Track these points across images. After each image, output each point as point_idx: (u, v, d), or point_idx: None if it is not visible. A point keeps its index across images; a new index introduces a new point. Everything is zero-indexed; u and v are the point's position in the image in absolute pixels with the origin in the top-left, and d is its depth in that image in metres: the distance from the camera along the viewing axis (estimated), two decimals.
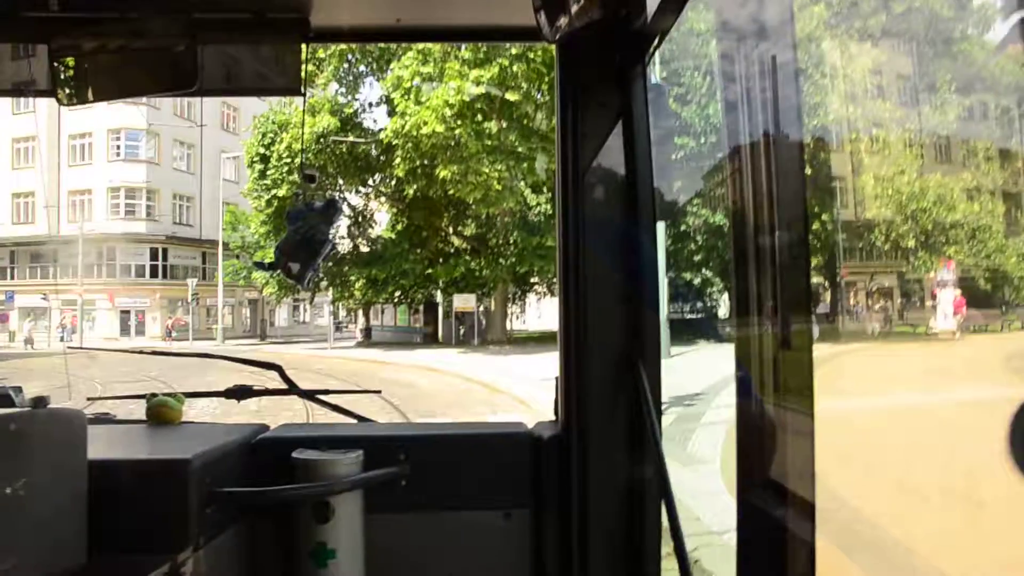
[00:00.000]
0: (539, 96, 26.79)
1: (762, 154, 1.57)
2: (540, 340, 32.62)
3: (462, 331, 35.23)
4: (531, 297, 44.13)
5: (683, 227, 26.76)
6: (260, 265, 2.95)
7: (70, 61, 2.05)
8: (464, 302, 33.45)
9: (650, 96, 2.05)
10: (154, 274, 45.14)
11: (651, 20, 1.78)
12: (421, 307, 37.82)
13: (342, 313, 46.22)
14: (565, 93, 2.10)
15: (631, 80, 2.00)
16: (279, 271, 2.34)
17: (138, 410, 2.46)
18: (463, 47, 25.59)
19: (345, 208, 35.70)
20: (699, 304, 29.64)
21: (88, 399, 3.00)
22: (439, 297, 36.61)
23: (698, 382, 13.23)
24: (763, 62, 1.62)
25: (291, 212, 2.32)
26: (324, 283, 35.39)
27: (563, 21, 1.76)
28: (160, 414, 2.36)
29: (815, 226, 19.81)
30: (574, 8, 1.72)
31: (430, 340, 36.50)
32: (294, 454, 2.03)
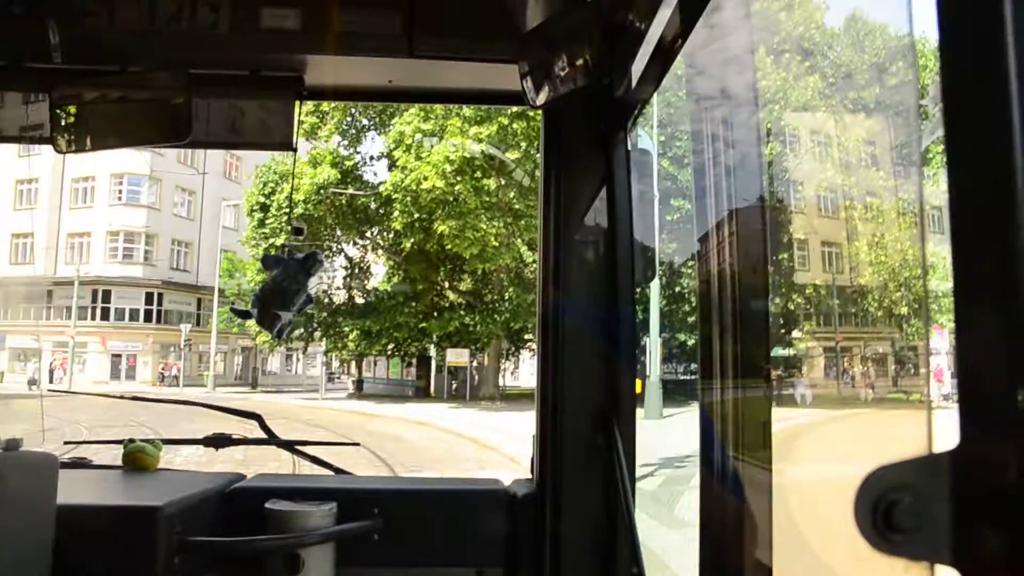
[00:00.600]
0: (539, 156, 27.10)
1: (730, 222, 1.62)
2: (532, 397, 32.33)
3: (454, 385, 34.99)
4: (525, 354, 43.94)
5: (678, 288, 26.85)
6: (236, 311, 2.94)
7: (71, 109, 2.09)
8: (457, 356, 33.31)
9: (636, 160, 2.09)
10: (148, 318, 44.92)
11: (635, 88, 1.84)
12: (414, 360, 37.62)
13: (335, 364, 45.96)
14: (549, 157, 2.15)
15: (614, 146, 2.04)
16: (253, 319, 2.35)
17: (117, 457, 2.45)
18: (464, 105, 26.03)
19: (342, 259, 35.83)
20: (693, 365, 29.55)
21: (65, 443, 2.98)
22: (432, 351, 36.45)
23: (690, 444, 13.08)
24: (749, 128, 1.67)
25: (266, 257, 2.34)
26: (318, 333, 35.27)
27: (548, 88, 1.82)
28: (136, 460, 2.35)
29: (808, 291, 19.92)
30: (559, 75, 1.78)
31: (422, 394, 36.21)
32: (267, 504, 2.02)
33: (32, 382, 38.07)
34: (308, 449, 2.62)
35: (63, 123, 2.10)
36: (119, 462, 2.41)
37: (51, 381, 37.02)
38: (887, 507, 0.57)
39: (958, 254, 0.53)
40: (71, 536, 1.66)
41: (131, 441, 2.39)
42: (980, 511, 0.53)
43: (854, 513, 0.57)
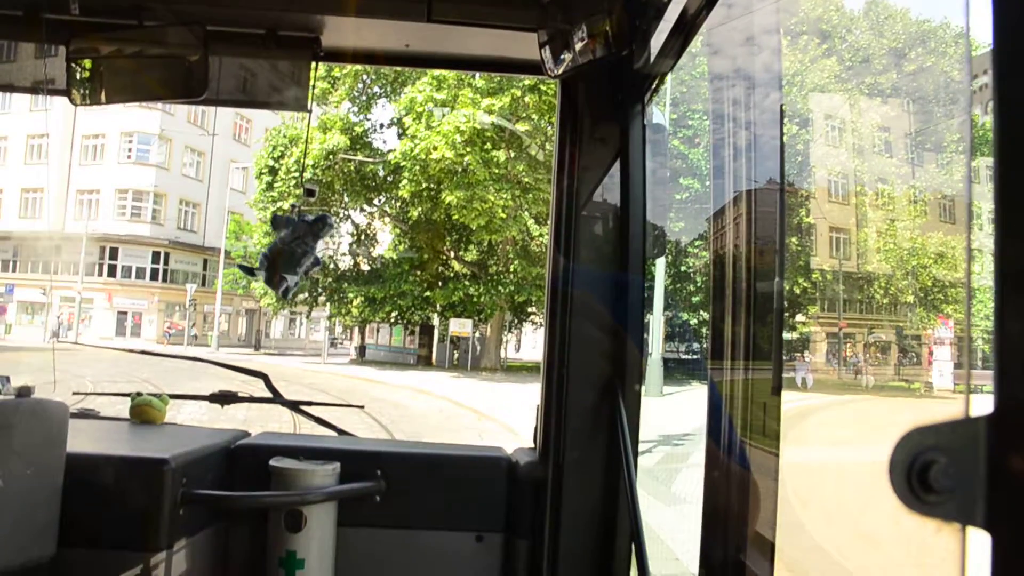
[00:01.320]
0: (550, 128, 26.98)
1: (746, 203, 1.61)
2: (534, 370, 32.52)
3: (456, 356, 35.11)
4: (527, 327, 44.05)
5: (683, 267, 26.81)
6: (243, 268, 2.93)
7: (86, 63, 2.08)
8: (460, 327, 33.39)
9: (650, 135, 2.08)
10: (154, 277, 45.07)
11: (653, 61, 1.82)
12: (417, 329, 37.70)
13: (338, 329, 46.10)
14: (565, 128, 2.13)
15: (631, 118, 2.02)
16: (259, 277, 2.35)
17: (125, 409, 2.47)
18: (477, 75, 25.83)
19: (348, 226, 35.80)
20: (695, 345, 29.60)
21: (74, 393, 3.02)
22: (436, 320, 36.55)
23: (688, 422, 13.17)
24: (765, 110, 1.66)
25: (276, 217, 2.33)
26: (322, 298, 35.35)
27: (567, 57, 1.81)
28: (143, 413, 2.38)
29: (815, 276, 19.87)
30: (578, 45, 1.76)
31: (424, 362, 36.35)
32: (271, 462, 2.04)
33: (54, 334, 38.35)
34: (312, 410, 2.63)
35: (78, 76, 2.10)
36: (126, 415, 2.44)
37: (57, 335, 37.23)
38: (923, 467, 0.56)
39: (1005, 217, 0.52)
40: (79, 483, 1.69)
41: (138, 395, 2.41)
42: (1016, 475, 0.53)
43: (888, 472, 0.57)
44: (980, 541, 0.55)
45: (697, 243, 26.54)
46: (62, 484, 1.64)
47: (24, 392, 1.71)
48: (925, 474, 0.57)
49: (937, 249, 18.42)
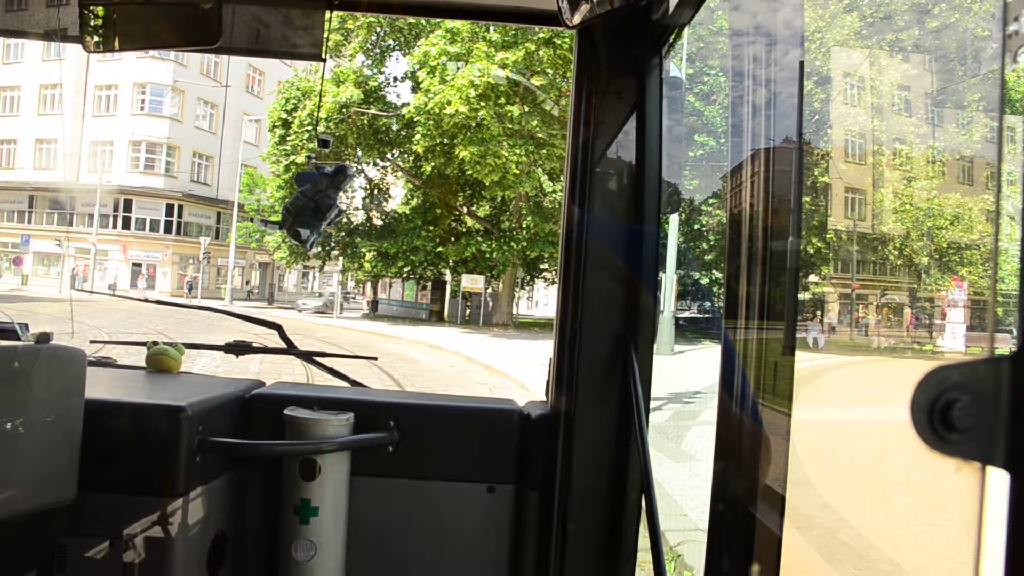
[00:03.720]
0: (564, 83, 26.64)
1: (763, 161, 1.61)
2: (545, 327, 32.65)
3: (468, 311, 35.22)
4: (539, 284, 44.05)
5: (696, 226, 26.64)
6: (266, 222, 2.94)
7: (100, 10, 2.06)
8: (472, 282, 33.45)
9: (667, 89, 2.05)
10: (168, 229, 45.25)
11: (671, 12, 1.80)
12: (429, 284, 37.78)
13: (351, 283, 46.29)
14: (581, 80, 2.09)
15: (648, 71, 2.00)
16: (284, 230, 2.36)
17: (140, 359, 2.51)
18: (491, 29, 25.46)
19: (362, 180, 35.71)
20: (707, 304, 29.56)
21: (91, 342, 3.05)
22: (448, 276, 36.61)
23: (698, 381, 13.24)
24: (784, 67, 1.65)
25: (300, 174, 2.34)
26: (335, 252, 35.43)
27: (584, 7, 1.78)
28: (159, 362, 2.41)
29: (829, 235, 19.70)
30: None
31: (436, 318, 36.50)
32: (286, 411, 2.06)
33: (111, 287, 38.66)
34: (326, 361, 2.64)
35: (92, 23, 2.08)
36: (142, 364, 2.48)
37: (72, 287, 37.58)
38: (944, 406, 0.57)
39: None
40: (98, 429, 1.72)
41: (154, 343, 2.44)
42: None
43: (910, 411, 0.57)
44: (999, 480, 0.57)
45: (711, 201, 26.32)
46: (81, 430, 1.66)
47: (43, 339, 1.73)
48: (947, 413, 0.57)
49: (954, 211, 18.20)
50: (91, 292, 37.68)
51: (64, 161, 43.98)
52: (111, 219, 44.03)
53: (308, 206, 2.27)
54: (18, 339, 1.80)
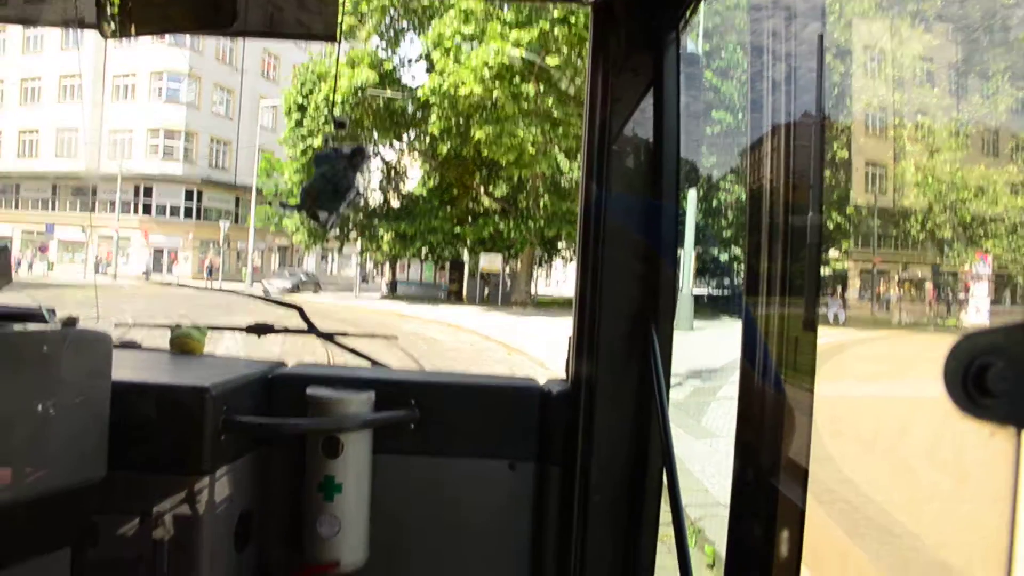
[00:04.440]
0: (579, 61, 26.45)
1: (783, 136, 1.60)
2: (564, 305, 32.63)
3: (487, 291, 35.26)
4: (557, 262, 43.99)
5: (714, 202, 26.44)
6: (285, 205, 2.94)
7: None
8: (490, 262, 33.47)
9: (684, 66, 2.02)
10: (188, 215, 45.59)
11: None
12: (447, 264, 37.83)
13: (369, 265, 46.44)
14: (597, 57, 2.07)
15: (665, 47, 1.97)
16: (303, 212, 2.37)
17: (164, 343, 2.54)
18: (506, 8, 25.27)
19: (378, 162, 35.71)
20: (725, 280, 29.39)
21: (116, 325, 3.08)
22: (466, 256, 36.64)
23: (718, 357, 13.19)
24: (803, 41, 1.64)
25: (318, 155, 2.34)
26: (353, 234, 35.54)
27: None
28: (183, 344, 2.44)
29: (849, 210, 19.48)
30: None
31: (454, 297, 36.59)
32: (308, 390, 2.08)
33: (146, 273, 39.02)
34: (346, 341, 2.65)
35: (108, 9, 2.08)
36: (166, 347, 2.51)
37: (96, 272, 38.02)
38: (979, 370, 0.57)
39: None
40: (124, 411, 1.74)
41: (178, 326, 2.48)
42: None
43: (943, 375, 0.57)
44: None
45: (729, 177, 26.08)
46: (108, 411, 1.69)
47: (70, 323, 1.77)
48: (982, 377, 0.57)
49: (978, 183, 17.92)
50: (115, 277, 38.06)
51: (85, 150, 44.36)
52: (132, 206, 44.42)
53: (326, 187, 2.28)
54: (46, 324, 1.84)
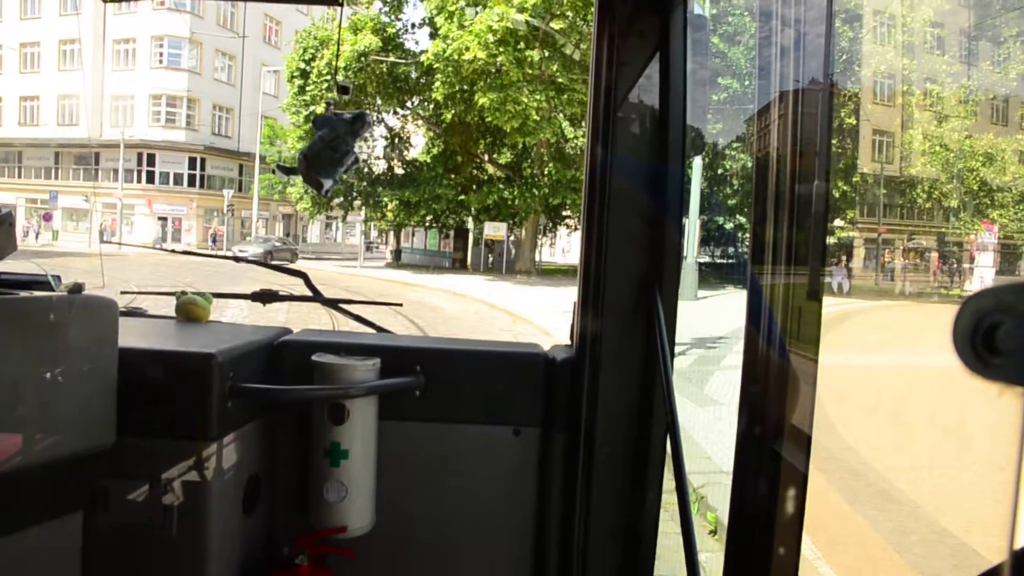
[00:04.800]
0: (585, 26, 26.15)
1: (790, 103, 1.59)
2: (568, 273, 32.66)
3: (491, 259, 35.27)
4: (562, 231, 43.94)
5: (720, 170, 26.28)
6: (281, 168, 2.91)
7: None
8: (495, 230, 33.41)
9: (692, 31, 1.99)
10: (192, 183, 45.45)
11: None
12: (452, 232, 37.82)
13: (373, 233, 46.45)
14: (603, 20, 2.04)
15: (672, 9, 1.95)
16: (299, 176, 2.35)
17: (170, 311, 2.55)
18: None
19: (382, 129, 35.51)
20: (730, 249, 29.34)
21: (121, 292, 3.08)
22: (470, 224, 36.60)
23: (721, 326, 13.22)
24: (811, 5, 1.62)
25: (318, 118, 2.31)
26: (357, 202, 35.47)
27: None
28: (188, 311, 2.44)
29: (855, 179, 19.37)
30: None
31: (459, 266, 36.61)
32: (314, 357, 2.08)
33: (157, 241, 38.98)
34: (351, 308, 2.66)
35: None
36: (171, 314, 2.51)
37: (101, 241, 38.00)
38: (988, 329, 0.56)
39: None
40: (132, 377, 1.75)
41: (183, 293, 2.47)
42: None
43: (951, 335, 0.57)
44: None
45: (735, 145, 25.91)
46: (116, 377, 1.70)
47: (76, 289, 1.77)
48: (991, 336, 0.56)
49: (986, 151, 17.76)
50: (120, 244, 38.05)
51: (87, 117, 44.13)
52: (135, 174, 44.27)
53: (325, 152, 2.25)
54: (52, 290, 1.84)
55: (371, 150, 35.40)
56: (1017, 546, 0.57)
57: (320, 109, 29.82)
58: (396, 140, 36.57)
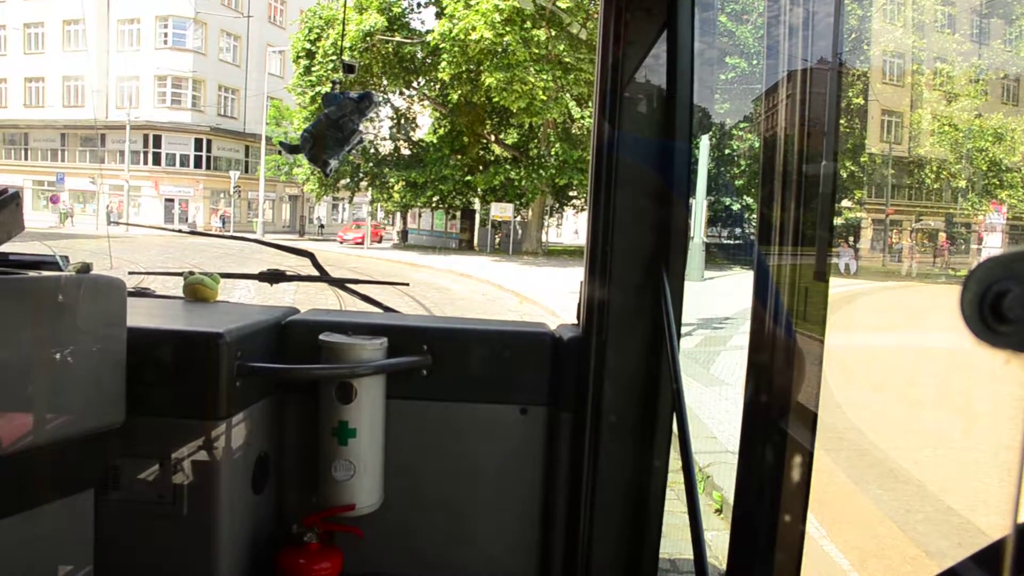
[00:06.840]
0: (592, 5, 25.91)
1: (798, 83, 1.58)
2: (575, 254, 32.58)
3: (498, 240, 35.21)
4: (568, 211, 43.80)
5: (727, 150, 26.12)
6: (285, 146, 2.90)
7: None
8: (501, 211, 33.31)
9: (699, 8, 1.97)
10: (198, 164, 45.36)
11: None
12: (458, 213, 37.72)
13: (380, 214, 46.39)
14: None
15: None
16: (303, 155, 2.35)
17: (177, 292, 2.56)
18: None
19: (388, 110, 35.35)
20: (737, 230, 29.21)
21: (129, 273, 3.09)
22: (477, 205, 36.51)
23: (728, 307, 13.20)
24: None
25: (327, 95, 2.31)
26: (364, 183, 35.39)
27: None
28: (196, 291, 2.45)
29: (863, 159, 19.24)
30: None
31: (466, 246, 36.56)
32: (321, 337, 2.10)
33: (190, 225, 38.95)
34: (358, 288, 2.67)
35: None
36: (179, 295, 2.52)
37: (108, 223, 38.08)
38: (996, 297, 0.56)
39: None
40: (140, 357, 1.78)
41: (191, 273, 2.48)
42: None
43: (959, 304, 0.56)
44: None
45: (742, 125, 25.73)
46: (125, 356, 1.71)
47: (84, 269, 1.78)
48: (999, 304, 0.56)
49: (995, 132, 17.61)
50: (127, 224, 38.11)
51: (92, 98, 44.03)
52: (142, 155, 44.20)
53: (330, 131, 2.25)
54: (60, 271, 1.86)
55: (377, 131, 35.27)
56: (1021, 519, 0.57)
57: (326, 89, 29.66)
58: (402, 120, 36.40)
